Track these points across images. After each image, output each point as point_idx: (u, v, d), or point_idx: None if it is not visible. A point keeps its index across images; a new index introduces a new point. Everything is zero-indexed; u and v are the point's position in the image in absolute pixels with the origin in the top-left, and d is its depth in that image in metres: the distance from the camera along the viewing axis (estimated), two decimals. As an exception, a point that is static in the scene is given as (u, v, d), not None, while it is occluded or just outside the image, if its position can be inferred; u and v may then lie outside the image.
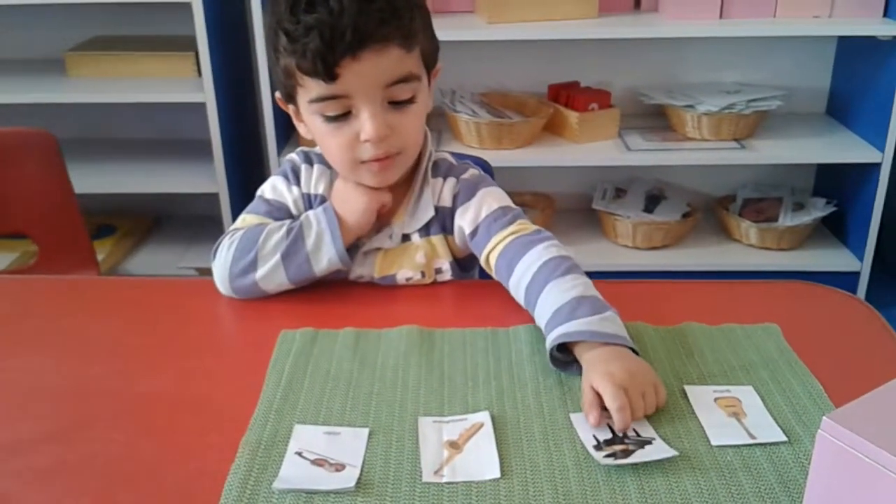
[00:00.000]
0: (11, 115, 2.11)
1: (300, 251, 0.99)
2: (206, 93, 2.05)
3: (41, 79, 2.19)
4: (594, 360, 0.81)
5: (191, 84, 2.12)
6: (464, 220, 1.03)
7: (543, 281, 0.91)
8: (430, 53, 0.99)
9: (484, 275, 1.13)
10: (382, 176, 0.99)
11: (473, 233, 1.02)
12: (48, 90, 2.12)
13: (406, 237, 1.05)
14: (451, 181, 1.05)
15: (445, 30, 2.05)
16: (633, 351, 0.84)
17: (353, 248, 1.03)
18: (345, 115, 0.94)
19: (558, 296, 0.88)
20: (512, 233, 0.99)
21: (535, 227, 1.00)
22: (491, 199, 1.03)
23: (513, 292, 0.96)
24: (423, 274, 1.05)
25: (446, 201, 1.04)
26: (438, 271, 1.06)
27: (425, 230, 1.05)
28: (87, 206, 1.68)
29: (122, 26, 2.34)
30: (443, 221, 1.05)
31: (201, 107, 2.07)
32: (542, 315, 0.89)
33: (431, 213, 1.04)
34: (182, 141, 2.37)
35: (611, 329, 0.85)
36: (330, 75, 0.90)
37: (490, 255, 0.99)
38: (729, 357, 0.88)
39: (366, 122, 0.93)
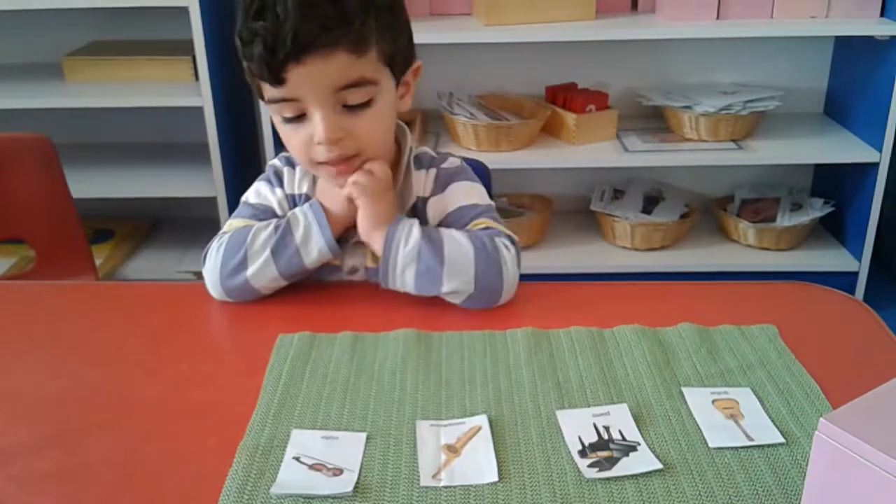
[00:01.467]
0: (9, 120, 2.11)
1: (289, 245, 0.99)
2: (203, 97, 2.05)
3: (39, 84, 2.19)
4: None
5: (188, 88, 2.12)
6: (434, 212, 1.05)
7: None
8: (395, 55, 0.97)
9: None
10: (341, 179, 0.99)
11: (439, 225, 1.03)
12: (46, 95, 2.12)
13: None
14: (432, 171, 1.07)
15: (443, 32, 2.07)
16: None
17: (342, 241, 1.03)
18: (300, 117, 0.95)
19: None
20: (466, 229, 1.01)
21: (493, 224, 1.02)
22: (461, 193, 1.05)
23: None
24: None
25: (428, 191, 1.06)
26: None
27: (412, 218, 1.05)
28: (85, 210, 1.68)
29: (119, 31, 2.34)
30: (425, 211, 1.07)
31: (199, 111, 2.07)
32: None
33: (412, 201, 1.06)
34: (180, 145, 2.37)
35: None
36: (276, 80, 0.91)
37: None
38: (726, 358, 0.88)
39: (317, 126, 0.94)
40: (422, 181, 1.06)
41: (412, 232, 0.97)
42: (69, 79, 2.19)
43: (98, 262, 1.86)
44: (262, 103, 2.04)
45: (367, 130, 0.96)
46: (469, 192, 1.06)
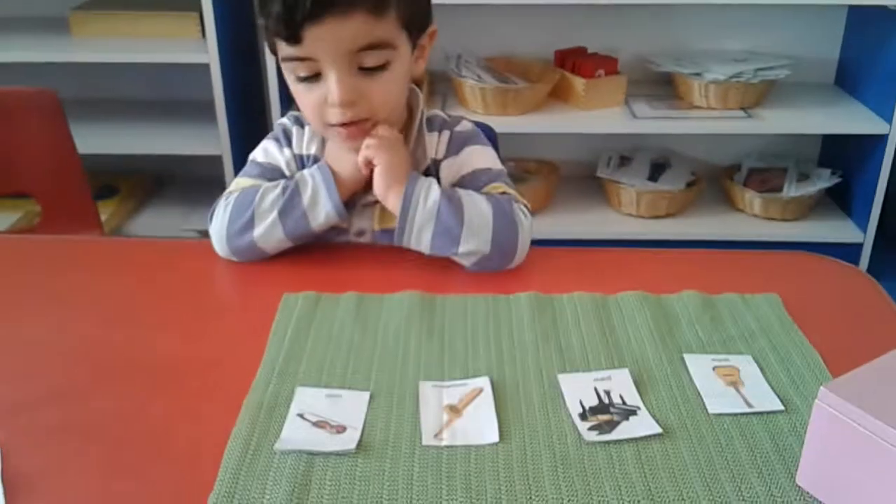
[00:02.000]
0: (14, 74, 2.10)
1: (297, 207, 0.99)
2: (210, 54, 2.04)
3: (45, 38, 2.17)
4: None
5: (195, 45, 2.10)
6: (447, 174, 1.04)
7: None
8: (413, 17, 0.97)
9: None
10: (350, 142, 0.99)
11: (452, 187, 1.02)
12: (52, 49, 2.11)
13: None
14: (445, 134, 1.06)
15: (452, -7, 2.04)
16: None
17: (350, 204, 1.03)
18: (315, 77, 0.94)
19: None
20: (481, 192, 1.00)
21: (509, 190, 1.02)
22: (476, 157, 1.04)
23: None
24: None
25: (441, 153, 1.06)
26: None
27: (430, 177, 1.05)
28: (90, 166, 1.68)
29: (126, -15, 2.32)
30: (438, 173, 1.06)
31: (205, 68, 2.06)
32: None
33: (425, 164, 1.05)
34: (185, 102, 2.36)
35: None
36: (293, 38, 0.90)
37: None
38: (729, 326, 0.88)
39: (332, 87, 0.93)
40: (434, 143, 1.06)
41: (431, 190, 0.97)
42: (75, 33, 2.18)
43: (103, 218, 1.86)
44: (269, 61, 2.05)
45: (381, 94, 0.96)
46: (484, 156, 1.06)
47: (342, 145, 1.00)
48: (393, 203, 0.98)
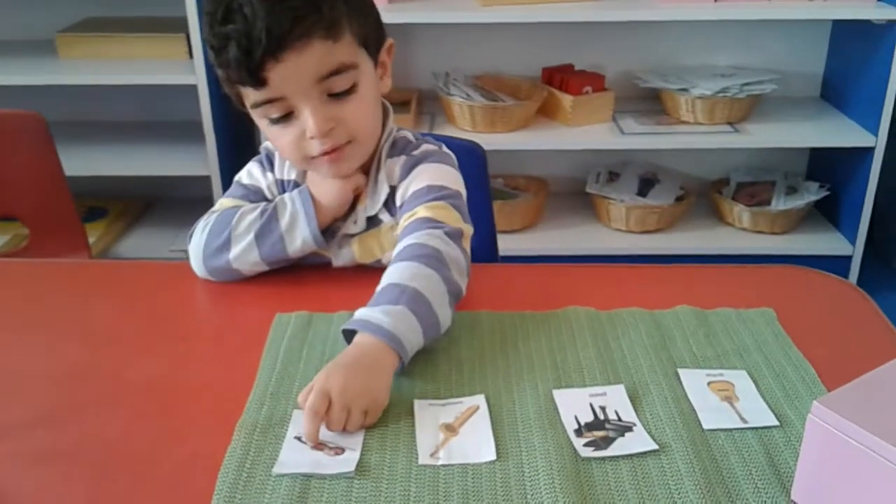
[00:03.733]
0: (1, 97, 2.09)
1: (274, 231, 0.99)
2: (197, 75, 2.04)
3: (32, 60, 2.17)
4: (344, 352, 0.80)
5: (182, 66, 2.10)
6: (398, 196, 1.01)
7: (393, 262, 0.90)
8: (368, 34, 0.96)
9: (482, 258, 1.13)
10: (336, 168, 0.98)
11: (400, 208, 1.00)
12: (39, 72, 2.10)
13: (372, 220, 1.03)
14: (401, 159, 1.02)
15: (440, 12, 2.06)
16: (400, 356, 0.80)
17: (330, 233, 1.02)
18: (288, 116, 0.93)
19: (385, 279, 0.87)
20: (413, 214, 0.96)
21: (444, 215, 0.95)
22: (425, 176, 0.99)
23: None
24: None
25: (396, 179, 1.02)
26: None
27: (391, 210, 1.03)
28: (78, 188, 1.67)
29: (113, 8, 2.32)
30: (393, 199, 1.02)
31: (193, 89, 2.06)
32: None
33: (386, 191, 1.02)
34: (173, 123, 2.36)
35: (393, 326, 0.80)
36: (257, 81, 0.89)
37: (397, 232, 0.98)
38: (723, 341, 0.88)
39: (307, 120, 0.92)
40: (392, 170, 1.02)
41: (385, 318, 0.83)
42: (62, 56, 2.17)
43: (91, 240, 1.85)
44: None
45: (355, 116, 0.95)
46: (433, 175, 1.00)
47: (326, 175, 0.99)
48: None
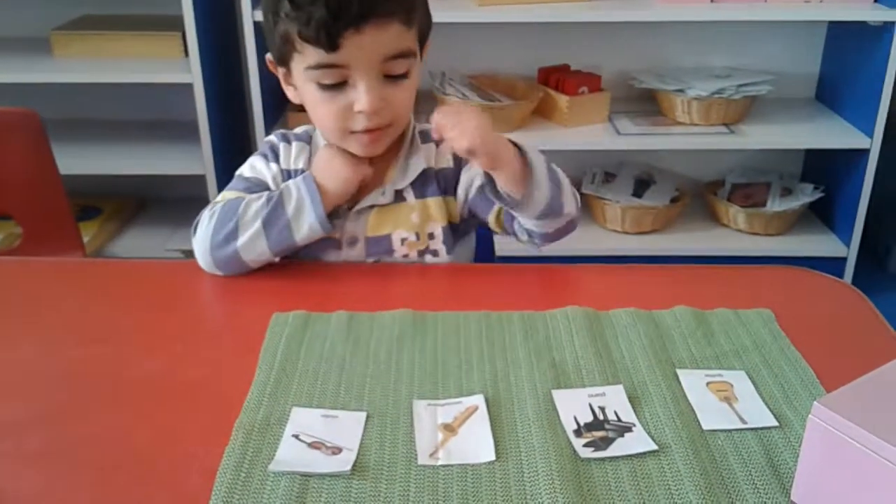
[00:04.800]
0: (-4, 95, 2.08)
1: (281, 217, 0.99)
2: (193, 73, 2.03)
3: (27, 58, 2.16)
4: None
5: (178, 65, 2.10)
6: (473, 173, 1.05)
7: None
8: (425, 30, 1.01)
9: (480, 258, 1.13)
10: (371, 147, 1.01)
11: (482, 187, 1.02)
12: (34, 70, 2.09)
13: (399, 195, 1.07)
14: (444, 146, 1.06)
15: (436, 11, 2.01)
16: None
17: (338, 212, 1.04)
18: (340, 85, 0.95)
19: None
20: None
21: None
22: None
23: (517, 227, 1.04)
24: (417, 236, 1.06)
25: (448, 162, 1.07)
26: (431, 236, 1.07)
27: (421, 192, 1.06)
28: (72, 187, 1.66)
29: (108, 5, 2.31)
30: (444, 184, 1.07)
31: (188, 87, 2.05)
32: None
33: (420, 169, 1.06)
34: (168, 122, 2.35)
35: (534, 156, 0.95)
36: (332, 45, 0.92)
37: (501, 213, 1.04)
38: (721, 342, 0.88)
39: (362, 95, 0.95)
40: (432, 153, 1.07)
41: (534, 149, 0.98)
42: (57, 53, 2.16)
43: (85, 239, 1.84)
44: (253, 80, 2.03)
45: (402, 100, 0.99)
46: None
47: (360, 151, 1.01)
48: (506, 155, 0.95)
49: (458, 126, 0.91)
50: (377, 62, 0.94)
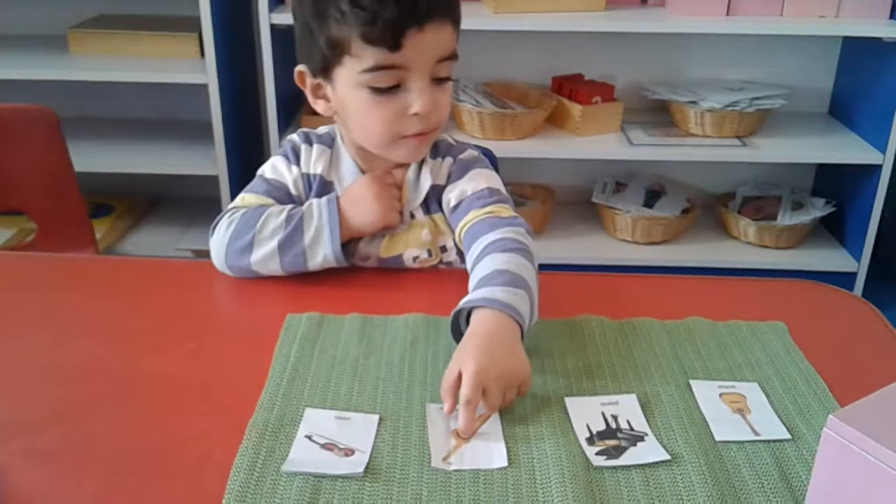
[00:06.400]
0: (13, 92, 2.09)
1: (297, 244, 0.99)
2: (208, 74, 2.04)
3: (44, 56, 2.17)
4: (473, 332, 0.80)
5: (193, 65, 2.10)
6: (451, 195, 1.04)
7: (485, 254, 0.91)
8: (458, 37, 1.00)
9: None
10: (419, 151, 1.01)
11: (456, 207, 1.02)
12: (50, 67, 2.10)
13: (410, 215, 1.06)
14: (448, 160, 1.06)
15: (452, 18, 2.05)
16: (522, 332, 0.82)
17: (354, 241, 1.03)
18: (393, 88, 0.94)
19: (486, 267, 0.89)
20: (487, 212, 0.99)
21: (512, 214, 1.00)
22: (481, 178, 1.04)
23: (469, 268, 0.94)
24: (429, 252, 1.06)
25: (443, 179, 1.05)
26: (444, 249, 1.07)
27: (426, 207, 1.06)
28: (85, 184, 1.68)
29: (126, 5, 2.33)
30: (440, 199, 1.06)
31: (203, 88, 2.06)
32: (469, 286, 0.89)
33: (428, 186, 1.04)
34: (183, 122, 2.36)
35: (511, 300, 0.82)
36: (396, 44, 0.91)
37: (462, 229, 1.00)
38: (735, 353, 0.88)
39: (418, 97, 0.94)
40: (437, 169, 1.05)
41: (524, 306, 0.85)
42: (74, 52, 2.18)
43: (97, 236, 1.85)
44: (268, 83, 2.04)
45: (445, 104, 0.99)
46: (490, 179, 1.04)
47: (409, 156, 1.01)
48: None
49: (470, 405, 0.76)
50: (432, 63, 0.94)
